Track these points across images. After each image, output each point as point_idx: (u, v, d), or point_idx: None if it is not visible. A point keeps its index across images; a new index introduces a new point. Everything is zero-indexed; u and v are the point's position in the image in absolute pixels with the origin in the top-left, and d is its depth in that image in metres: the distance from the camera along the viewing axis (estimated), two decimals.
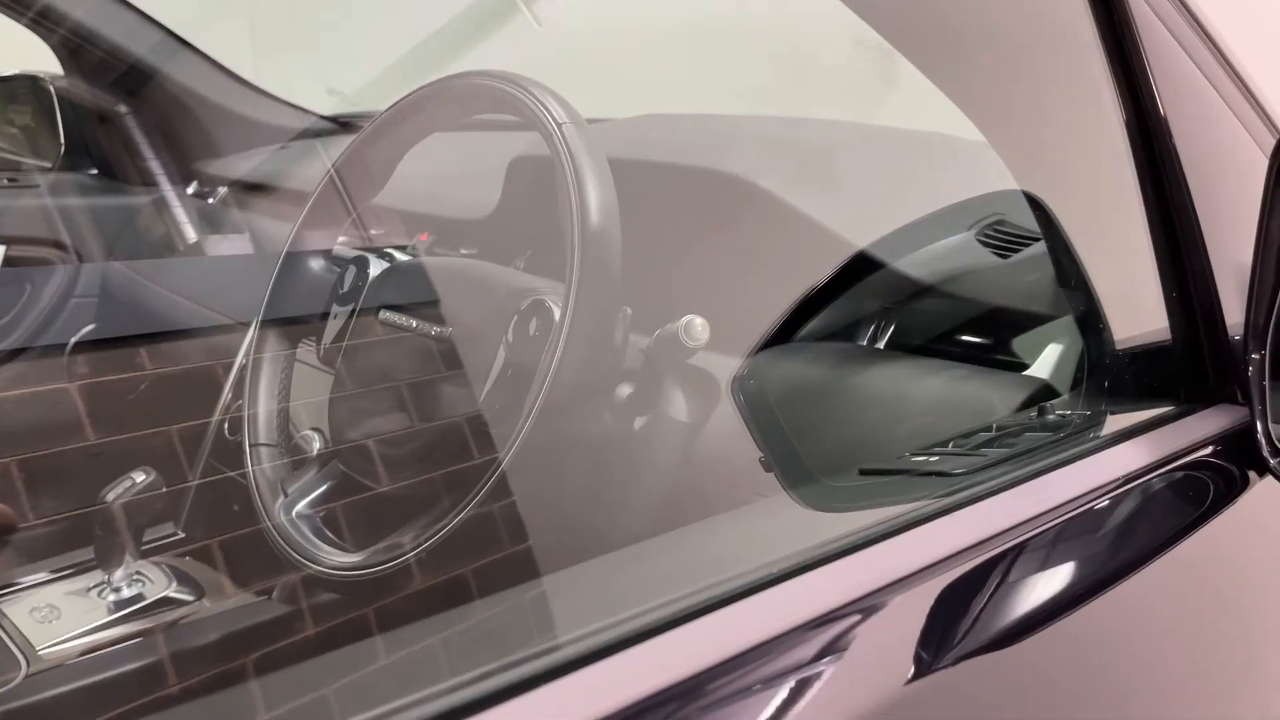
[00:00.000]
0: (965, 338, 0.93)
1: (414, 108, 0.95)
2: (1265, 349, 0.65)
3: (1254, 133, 0.73)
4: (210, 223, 1.50)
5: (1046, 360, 0.85)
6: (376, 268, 0.99)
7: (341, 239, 1.05)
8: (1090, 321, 0.80)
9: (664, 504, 0.91)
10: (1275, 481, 0.65)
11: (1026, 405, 0.76)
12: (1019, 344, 0.90)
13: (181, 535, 1.05)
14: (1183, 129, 0.68)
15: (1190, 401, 0.71)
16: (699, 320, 0.84)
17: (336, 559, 0.87)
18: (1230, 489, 0.66)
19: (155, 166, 1.63)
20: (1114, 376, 0.76)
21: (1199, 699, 0.61)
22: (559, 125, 0.83)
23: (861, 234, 0.93)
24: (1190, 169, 0.68)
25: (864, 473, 0.64)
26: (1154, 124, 0.67)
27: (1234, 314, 0.70)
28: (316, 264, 1.03)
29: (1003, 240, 0.94)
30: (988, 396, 0.82)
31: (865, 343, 0.97)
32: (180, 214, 1.55)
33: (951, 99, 0.79)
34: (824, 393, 0.86)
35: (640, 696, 0.33)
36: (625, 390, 0.90)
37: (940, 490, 0.56)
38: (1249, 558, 0.67)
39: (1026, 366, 0.87)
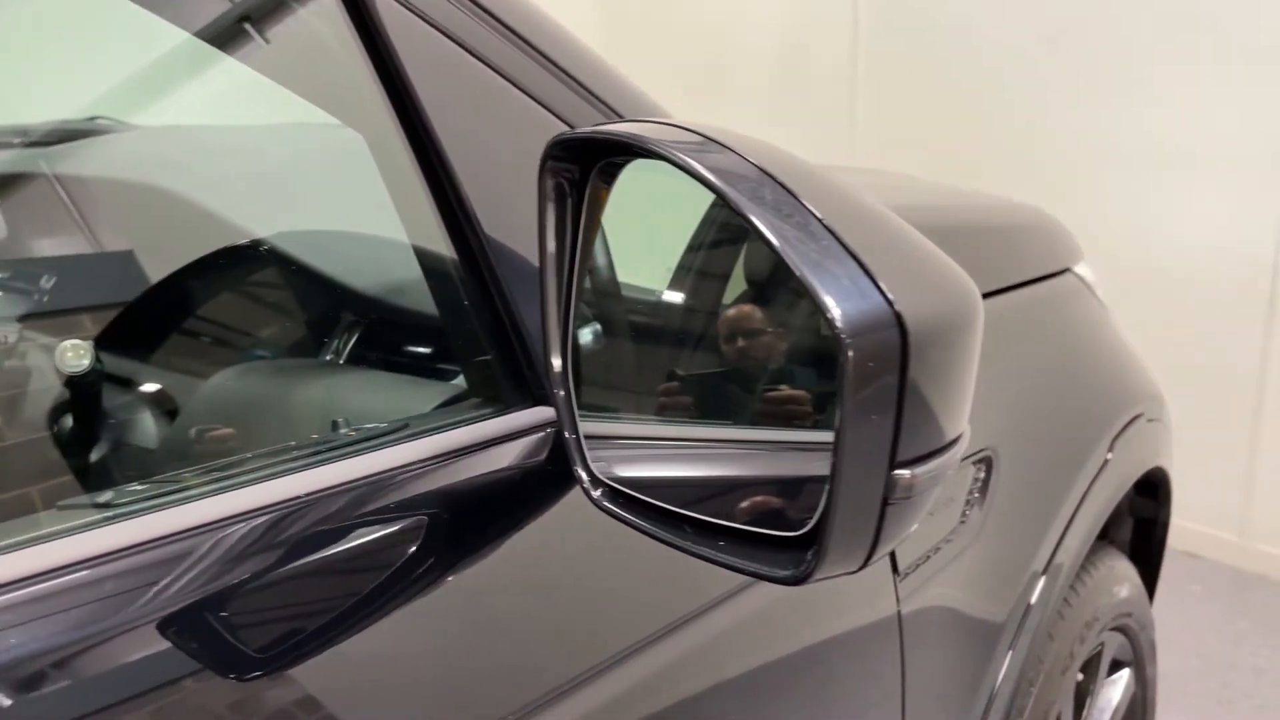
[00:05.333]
0: (414, 348, 0.90)
1: None
2: (565, 356, 0.64)
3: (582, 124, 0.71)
4: None
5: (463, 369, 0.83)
6: None
7: None
8: (450, 329, 0.78)
9: None
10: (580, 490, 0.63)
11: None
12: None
13: None
14: (458, 137, 0.65)
15: (515, 405, 0.69)
16: (69, 344, 0.80)
17: None
18: (524, 493, 0.65)
19: None
20: (470, 382, 0.74)
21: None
22: None
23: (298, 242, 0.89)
24: (469, 179, 0.65)
25: (60, 507, 0.59)
26: (427, 134, 0.64)
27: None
28: None
29: None
30: (388, 406, 0.80)
31: (330, 356, 0.94)
32: None
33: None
34: (216, 411, 0.82)
35: None
36: (68, 423, 0.86)
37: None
38: (530, 565, 0.64)
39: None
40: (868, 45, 3.46)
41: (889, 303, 0.42)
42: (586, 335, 0.67)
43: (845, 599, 0.89)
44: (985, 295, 1.20)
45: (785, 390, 0.55)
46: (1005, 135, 3.13)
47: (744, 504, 0.53)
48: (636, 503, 0.56)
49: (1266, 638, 2.48)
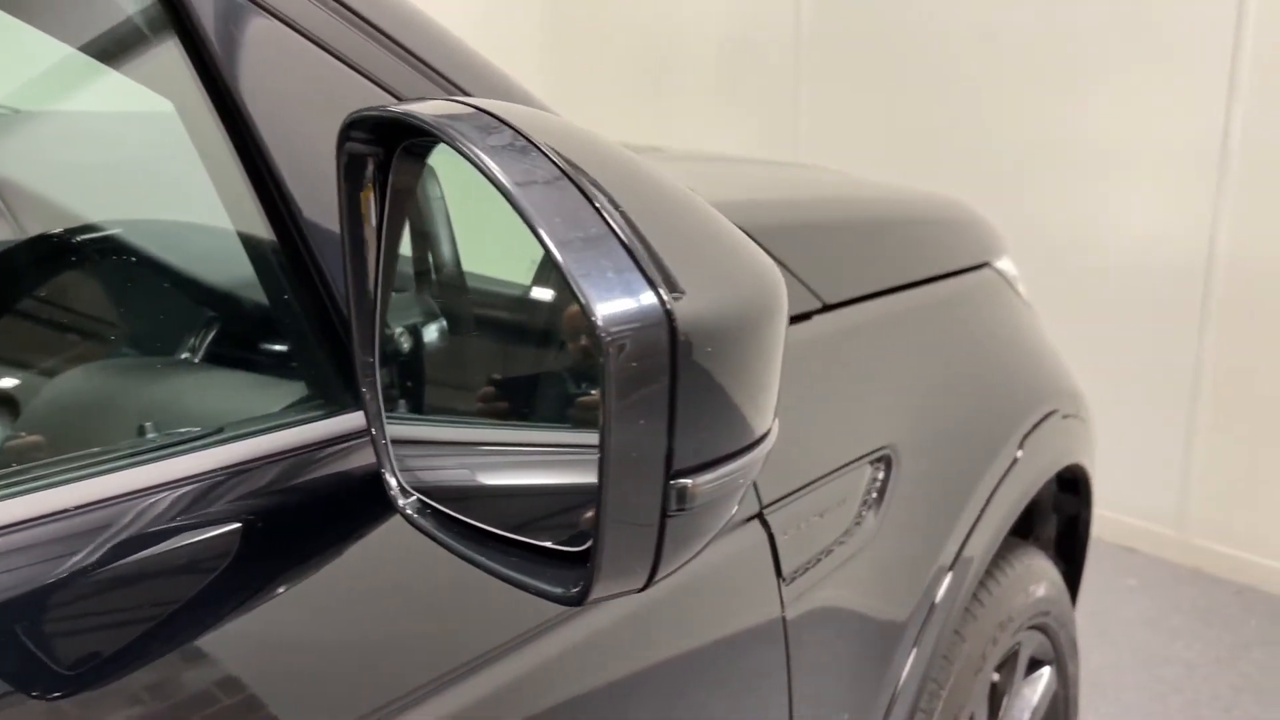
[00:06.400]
0: (267, 346, 0.86)
1: None
2: (373, 352, 0.59)
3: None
4: None
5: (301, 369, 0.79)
6: None
7: None
8: (285, 326, 0.73)
9: None
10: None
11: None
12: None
13: None
14: (273, 116, 0.60)
15: (349, 407, 0.64)
16: None
17: None
18: (347, 500, 0.60)
19: None
20: (307, 383, 0.70)
21: None
22: None
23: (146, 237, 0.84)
24: (287, 163, 0.61)
25: None
26: (239, 113, 0.60)
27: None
28: None
29: None
30: (231, 406, 0.75)
31: (187, 355, 0.89)
32: None
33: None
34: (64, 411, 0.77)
35: None
36: None
37: None
38: (355, 576, 0.60)
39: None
40: (810, 42, 3.44)
41: (659, 298, 0.38)
42: (429, 332, 0.63)
43: (723, 605, 0.85)
44: (891, 290, 1.19)
45: (597, 393, 0.51)
46: (945, 131, 3.13)
47: (542, 516, 0.49)
48: (442, 515, 0.52)
49: (1200, 632, 2.49)
